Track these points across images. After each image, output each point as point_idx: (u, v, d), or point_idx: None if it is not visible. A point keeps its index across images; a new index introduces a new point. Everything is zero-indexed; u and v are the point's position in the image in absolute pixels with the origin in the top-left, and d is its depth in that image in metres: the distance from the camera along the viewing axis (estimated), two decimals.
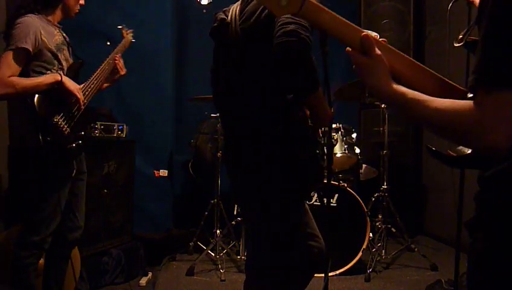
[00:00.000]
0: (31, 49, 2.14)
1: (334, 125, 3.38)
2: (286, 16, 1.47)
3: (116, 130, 3.37)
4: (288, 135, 1.57)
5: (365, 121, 4.53)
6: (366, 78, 0.97)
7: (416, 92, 0.91)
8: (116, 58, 2.55)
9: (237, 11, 1.70)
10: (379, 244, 3.46)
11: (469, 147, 0.91)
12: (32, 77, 2.16)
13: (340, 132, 3.41)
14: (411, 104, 0.91)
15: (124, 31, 2.76)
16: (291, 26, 1.44)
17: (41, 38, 2.19)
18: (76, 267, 2.65)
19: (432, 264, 3.39)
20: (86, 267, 2.83)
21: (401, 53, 1.01)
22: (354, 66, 0.99)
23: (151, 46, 4.01)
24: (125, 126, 3.44)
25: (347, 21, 0.99)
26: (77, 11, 2.41)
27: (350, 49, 0.98)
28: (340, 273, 3.17)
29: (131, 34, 2.78)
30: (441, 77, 1.00)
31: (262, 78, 1.60)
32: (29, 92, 2.10)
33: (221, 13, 1.77)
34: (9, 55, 2.11)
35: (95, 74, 2.41)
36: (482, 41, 0.81)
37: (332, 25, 0.98)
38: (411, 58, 1.01)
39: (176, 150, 4.26)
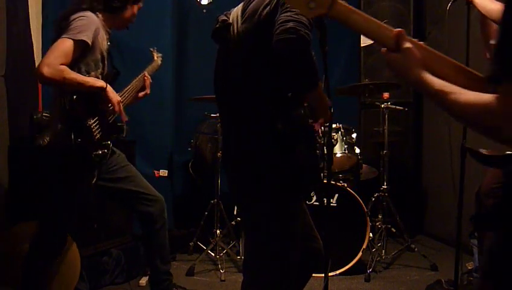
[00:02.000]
0: (90, 44, 2.10)
1: (334, 125, 3.38)
2: (286, 14, 1.48)
3: None
4: (287, 132, 1.58)
5: (365, 121, 4.53)
6: (400, 72, 1.01)
7: (445, 84, 0.93)
8: (146, 76, 2.58)
9: (239, 12, 1.71)
10: (379, 244, 3.46)
11: (496, 139, 0.90)
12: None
13: (340, 132, 3.41)
14: (439, 97, 0.93)
15: (154, 54, 2.80)
16: (290, 24, 1.46)
17: (97, 38, 2.16)
18: (76, 267, 2.65)
19: (432, 264, 3.39)
20: (86, 267, 2.82)
21: (437, 52, 1.04)
22: (387, 65, 1.03)
23: (151, 46, 4.01)
24: (125, 126, 3.44)
25: (378, 21, 1.02)
26: (126, 26, 2.42)
27: (384, 49, 1.02)
28: (340, 273, 3.17)
29: (161, 58, 2.84)
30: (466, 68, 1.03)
31: (264, 76, 1.61)
32: (74, 86, 2.06)
33: (222, 15, 1.78)
34: (68, 43, 2.04)
35: (127, 88, 2.43)
36: (502, 32, 0.83)
37: (363, 26, 1.01)
38: (447, 58, 1.04)
39: (176, 150, 4.25)
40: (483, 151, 1.05)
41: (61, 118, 2.12)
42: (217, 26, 1.75)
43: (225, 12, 1.80)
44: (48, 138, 2.30)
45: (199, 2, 4.08)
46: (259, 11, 1.61)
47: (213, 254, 3.44)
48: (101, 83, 2.15)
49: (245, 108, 1.67)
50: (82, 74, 2.13)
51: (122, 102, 2.31)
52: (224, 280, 3.16)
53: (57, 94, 2.17)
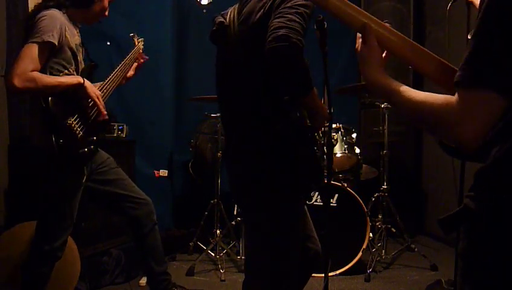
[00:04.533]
0: (56, 44, 2.06)
1: (334, 125, 3.38)
2: (278, 19, 1.48)
3: (116, 130, 3.37)
4: (287, 134, 1.58)
5: (365, 121, 4.53)
6: (360, 64, 1.05)
7: (398, 83, 0.98)
8: (142, 57, 2.59)
9: (235, 13, 1.71)
10: (379, 244, 3.46)
11: (441, 138, 0.94)
12: (49, 74, 2.08)
13: (340, 132, 3.41)
14: (394, 95, 0.97)
15: (135, 39, 2.73)
16: (282, 31, 1.45)
17: (65, 35, 2.12)
18: (77, 267, 2.65)
19: (432, 264, 3.39)
20: (86, 267, 2.83)
21: (404, 37, 1.06)
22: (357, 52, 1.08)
23: (151, 46, 3.99)
24: (125, 126, 3.44)
25: (354, 5, 1.07)
26: (98, 20, 2.37)
27: (358, 35, 1.07)
28: (340, 273, 3.17)
29: (142, 43, 2.75)
30: (441, 59, 1.03)
31: (261, 78, 1.61)
32: (50, 90, 2.02)
33: (219, 16, 1.78)
34: (34, 48, 2.01)
35: (109, 78, 2.38)
36: (472, 38, 0.83)
37: (339, 9, 1.05)
38: (413, 42, 1.06)
39: (176, 150, 4.26)
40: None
41: (41, 119, 2.08)
42: (214, 28, 1.76)
43: (221, 13, 1.79)
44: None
45: (199, 2, 4.08)
46: (253, 13, 1.62)
47: (213, 254, 3.44)
48: (77, 79, 2.10)
49: (244, 109, 1.67)
50: (55, 74, 2.09)
51: (102, 95, 2.25)
52: (224, 280, 3.16)
53: (35, 96, 2.13)
